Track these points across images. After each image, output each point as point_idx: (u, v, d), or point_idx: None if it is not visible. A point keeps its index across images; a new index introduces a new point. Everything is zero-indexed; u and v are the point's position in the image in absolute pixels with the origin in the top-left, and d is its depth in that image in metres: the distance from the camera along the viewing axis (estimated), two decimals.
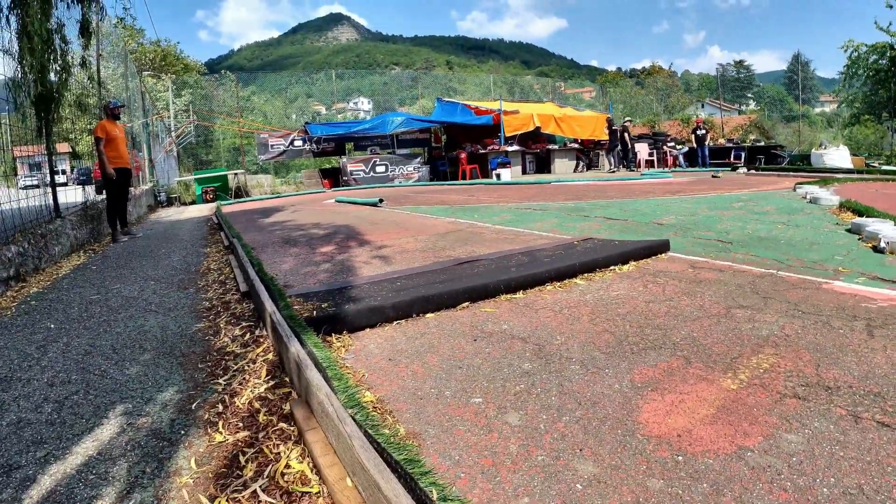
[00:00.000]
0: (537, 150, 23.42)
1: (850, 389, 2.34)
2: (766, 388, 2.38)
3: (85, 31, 9.22)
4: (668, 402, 2.31)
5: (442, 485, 1.67)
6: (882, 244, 4.97)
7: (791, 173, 16.03)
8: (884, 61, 24.74)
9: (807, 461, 1.84)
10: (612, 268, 4.70)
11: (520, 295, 4.07)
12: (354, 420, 1.91)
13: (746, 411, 2.20)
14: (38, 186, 7.99)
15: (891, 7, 23.61)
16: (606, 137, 23.57)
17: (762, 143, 25.10)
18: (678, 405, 2.28)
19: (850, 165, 18.42)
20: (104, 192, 9.41)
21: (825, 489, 1.69)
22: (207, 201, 18.78)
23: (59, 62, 7.88)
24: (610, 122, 23.10)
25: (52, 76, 7.74)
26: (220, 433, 2.31)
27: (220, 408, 2.57)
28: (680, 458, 1.90)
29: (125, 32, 26.45)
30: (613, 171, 22.01)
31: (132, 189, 12.09)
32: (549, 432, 2.12)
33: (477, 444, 2.06)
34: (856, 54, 26.03)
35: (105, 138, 8.78)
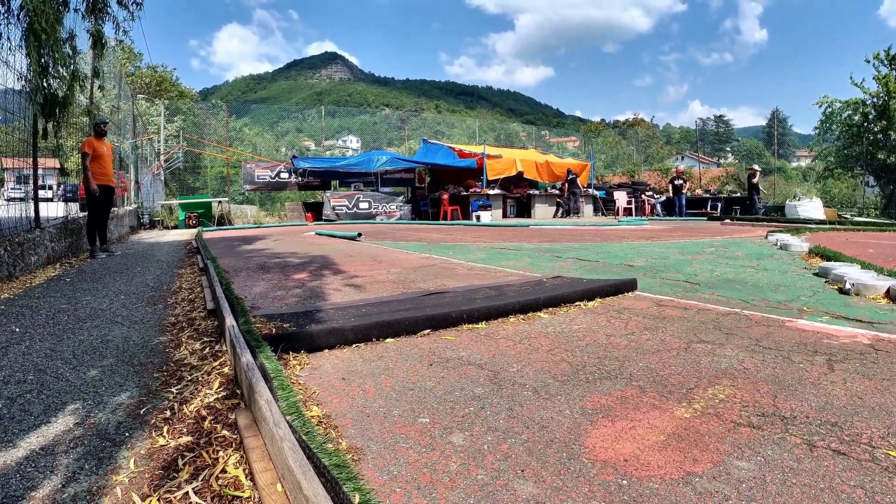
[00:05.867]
0: (518, 194, 23.62)
1: (806, 419, 2.32)
2: (719, 418, 2.35)
3: (97, 42, 9.19)
4: (618, 429, 2.26)
5: (367, 490, 1.61)
6: (847, 286, 5.02)
7: (765, 223, 16.29)
8: (857, 117, 25.44)
9: (757, 488, 1.80)
10: (577, 303, 4.68)
11: (482, 325, 4.03)
12: (289, 424, 1.88)
13: (698, 439, 2.16)
14: (23, 200, 8.04)
15: (868, 62, 24.37)
16: (583, 184, 23.97)
17: (738, 195, 25.53)
18: (628, 431, 2.23)
19: (822, 216, 18.78)
20: (87, 207, 9.34)
21: None
22: (190, 227, 18.69)
23: (67, 68, 7.86)
24: (568, 172, 23.49)
25: (56, 82, 7.71)
26: (164, 437, 2.31)
27: (168, 414, 2.56)
28: (624, 482, 1.85)
29: (123, 55, 26.54)
30: (562, 217, 22.40)
31: (115, 208, 12.02)
32: (493, 453, 2.06)
33: (417, 461, 2.00)
34: (830, 110, 26.77)
35: (92, 154, 8.77)
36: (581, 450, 2.08)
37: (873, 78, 24.63)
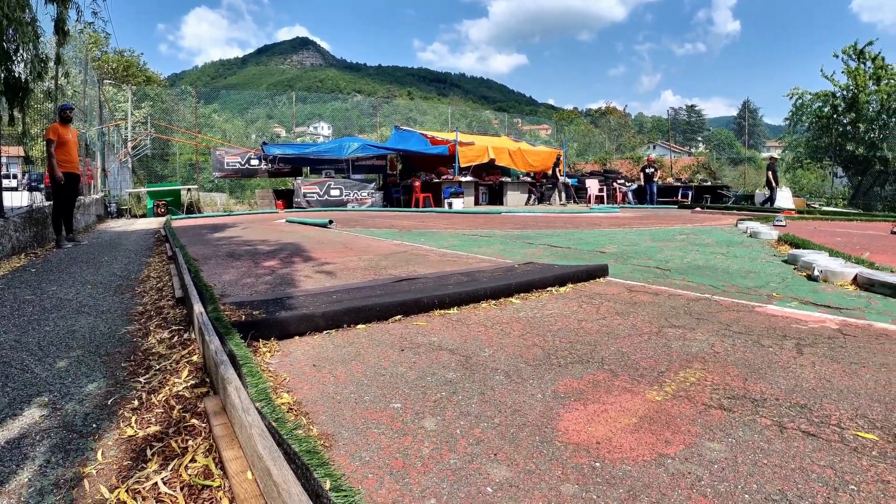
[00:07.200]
0: (490, 181, 23.60)
1: (776, 401, 2.35)
2: (691, 400, 2.36)
3: (59, 29, 8.92)
4: (590, 412, 2.26)
5: (338, 475, 1.59)
6: (816, 272, 5.10)
7: (735, 212, 16.52)
8: (827, 108, 25.95)
9: (729, 468, 1.81)
10: (549, 289, 4.69)
11: (453, 311, 4.02)
12: (258, 411, 1.84)
13: (669, 421, 2.17)
14: None
15: (836, 56, 24.86)
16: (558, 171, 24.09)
17: (709, 183, 25.83)
18: (600, 414, 2.24)
19: (791, 206, 19.06)
20: (52, 196, 9.11)
21: (746, 495, 1.66)
22: (159, 215, 18.35)
23: (32, 52, 7.62)
24: (558, 158, 23.61)
25: (20, 67, 7.49)
26: (132, 427, 2.25)
27: (136, 404, 2.50)
28: (597, 464, 1.85)
29: (89, 39, 25.93)
30: (564, 205, 22.43)
31: (82, 197, 11.76)
32: (465, 437, 2.05)
33: (389, 446, 1.98)
34: (800, 102, 27.23)
35: (56, 141, 8.53)
36: (554, 433, 2.08)
37: (843, 71, 25.14)
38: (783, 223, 10.75)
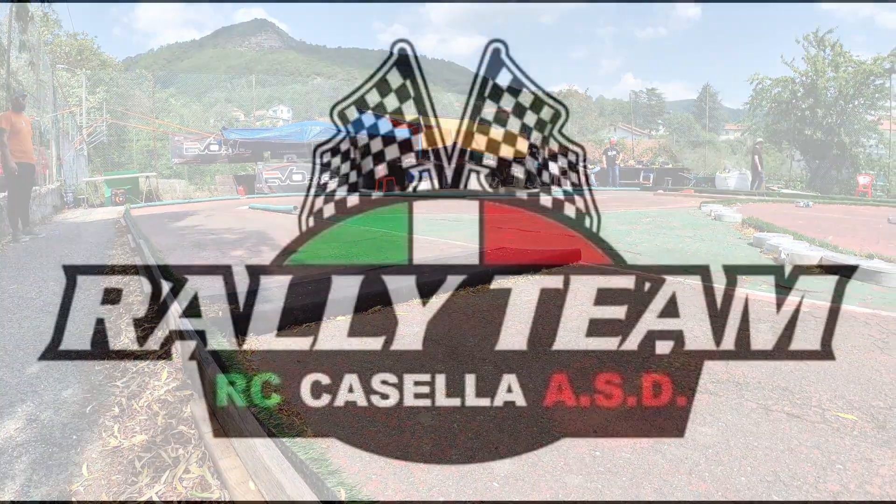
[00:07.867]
0: (455, 165, 23.54)
1: (759, 385, 2.41)
2: (678, 385, 2.41)
3: (21, 14, 8.53)
4: (583, 401, 2.29)
5: (351, 484, 1.57)
6: (782, 255, 5.20)
7: (696, 194, 16.77)
8: (786, 94, 26.48)
9: (723, 452, 1.86)
10: (524, 275, 4.71)
11: (433, 299, 4.01)
12: (256, 418, 1.78)
13: (660, 407, 2.21)
14: None
15: (798, 42, 25.38)
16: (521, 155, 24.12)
17: (670, 166, 26.20)
18: (593, 403, 2.26)
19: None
20: (6, 188, 8.78)
21: (742, 478, 1.71)
22: (117, 204, 17.83)
23: None
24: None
25: None
26: (116, 437, 2.16)
27: (117, 411, 2.41)
28: (597, 453, 1.88)
29: (39, 22, 24.98)
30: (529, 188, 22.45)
31: (37, 188, 11.38)
32: (464, 431, 2.05)
33: (388, 444, 1.97)
34: (760, 87, 27.72)
35: (9, 130, 8.20)
36: (551, 423, 2.10)
37: (802, 58, 25.65)
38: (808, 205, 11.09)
